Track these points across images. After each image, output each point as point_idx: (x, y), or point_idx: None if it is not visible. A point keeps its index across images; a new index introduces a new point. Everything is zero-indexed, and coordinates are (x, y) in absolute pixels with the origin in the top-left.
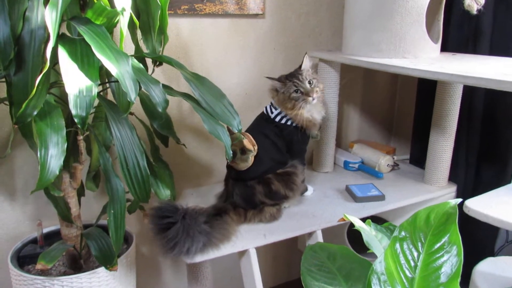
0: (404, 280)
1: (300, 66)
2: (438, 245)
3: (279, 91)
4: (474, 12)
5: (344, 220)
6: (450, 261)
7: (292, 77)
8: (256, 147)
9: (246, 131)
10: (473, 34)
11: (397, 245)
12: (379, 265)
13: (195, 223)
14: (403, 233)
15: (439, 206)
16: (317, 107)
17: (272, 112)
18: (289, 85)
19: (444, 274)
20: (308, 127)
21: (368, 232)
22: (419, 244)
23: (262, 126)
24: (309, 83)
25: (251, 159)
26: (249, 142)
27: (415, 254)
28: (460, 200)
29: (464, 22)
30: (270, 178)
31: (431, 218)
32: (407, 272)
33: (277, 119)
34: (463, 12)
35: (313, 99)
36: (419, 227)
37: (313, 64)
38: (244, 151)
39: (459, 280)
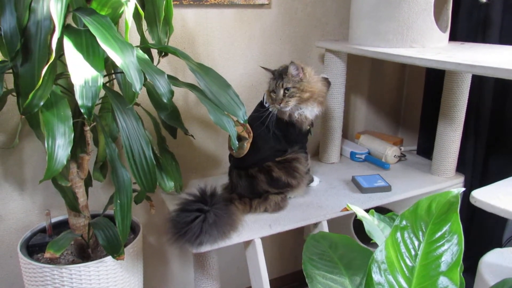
0: (405, 269)
1: (287, 69)
2: (439, 234)
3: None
4: (483, 0)
5: (347, 209)
6: (451, 250)
7: (278, 76)
8: (251, 134)
9: None
10: (483, 23)
11: (398, 234)
12: (379, 254)
13: (221, 214)
14: (404, 222)
15: (441, 195)
16: (308, 107)
17: (266, 102)
18: (272, 83)
19: (445, 262)
20: (297, 121)
21: (370, 221)
22: (420, 233)
23: (260, 112)
24: (286, 90)
25: (246, 146)
26: (244, 130)
27: (416, 243)
28: (463, 189)
29: (473, 10)
30: (270, 166)
31: (432, 207)
32: (408, 261)
33: (271, 108)
34: (472, 0)
35: (281, 108)
36: (420, 216)
37: (320, 54)
38: (239, 138)
39: (459, 268)
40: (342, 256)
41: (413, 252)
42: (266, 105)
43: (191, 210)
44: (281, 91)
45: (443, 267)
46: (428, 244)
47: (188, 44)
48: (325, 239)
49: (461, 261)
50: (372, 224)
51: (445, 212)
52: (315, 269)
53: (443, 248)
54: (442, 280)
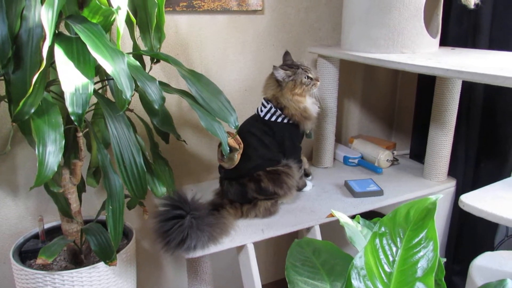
0: (383, 275)
1: (293, 60)
2: (416, 240)
3: (284, 80)
4: (472, 6)
5: (332, 215)
6: (427, 256)
7: (296, 67)
8: (241, 145)
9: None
10: (473, 28)
11: (377, 241)
12: (359, 260)
13: (202, 217)
14: (383, 229)
15: (420, 202)
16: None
17: (261, 111)
18: (299, 71)
19: (421, 268)
20: (304, 118)
21: (353, 227)
22: (398, 240)
23: (250, 124)
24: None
25: (237, 157)
26: (234, 141)
27: (394, 249)
28: (441, 196)
29: (463, 16)
30: (260, 175)
31: (410, 214)
32: (386, 267)
33: (267, 117)
34: (462, 6)
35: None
36: (399, 223)
37: (313, 59)
38: (230, 149)
39: (434, 274)
40: (324, 262)
41: (391, 258)
42: (264, 111)
43: (169, 219)
44: (313, 71)
45: (419, 273)
46: (406, 251)
47: (181, 50)
48: (309, 245)
49: (436, 267)
50: (355, 230)
51: (422, 218)
52: (297, 275)
53: (419, 254)
54: (418, 286)
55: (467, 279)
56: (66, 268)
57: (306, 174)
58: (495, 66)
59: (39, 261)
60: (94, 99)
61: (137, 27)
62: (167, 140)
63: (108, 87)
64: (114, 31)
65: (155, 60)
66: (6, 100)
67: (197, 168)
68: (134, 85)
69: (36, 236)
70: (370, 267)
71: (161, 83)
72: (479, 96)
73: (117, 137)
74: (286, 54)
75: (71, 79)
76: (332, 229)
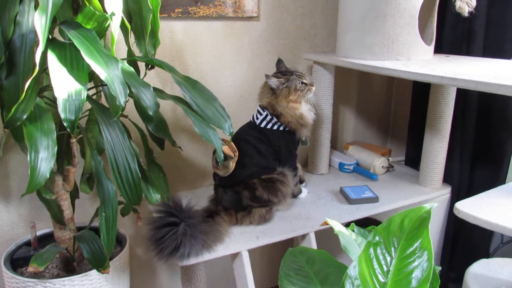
0: (377, 285)
1: (286, 67)
2: (410, 250)
3: (278, 88)
4: (466, 14)
5: (326, 224)
6: (421, 266)
7: (290, 73)
8: (237, 153)
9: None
10: (467, 35)
11: (371, 250)
12: (353, 270)
13: (196, 224)
14: (377, 238)
15: (414, 211)
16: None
17: (257, 118)
18: (293, 78)
19: (415, 278)
20: (301, 125)
21: (348, 236)
22: (392, 249)
23: (245, 132)
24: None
25: (232, 165)
26: (229, 149)
27: (388, 259)
28: (435, 205)
29: (458, 23)
30: (255, 183)
31: (405, 223)
32: (380, 277)
33: (263, 124)
34: (456, 14)
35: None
36: (393, 232)
37: (308, 66)
38: (225, 157)
39: (429, 284)
40: (318, 272)
41: (385, 268)
42: (260, 119)
43: (163, 226)
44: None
45: (414, 283)
46: (400, 260)
47: (176, 56)
48: (303, 254)
49: (431, 276)
50: (349, 239)
51: (417, 228)
52: (291, 285)
53: (414, 264)
54: None
55: (463, 286)
56: (58, 276)
57: (300, 181)
58: (489, 74)
59: (31, 269)
60: (88, 105)
61: (131, 33)
62: (162, 146)
63: (102, 93)
64: (108, 37)
65: (149, 66)
66: None
67: (192, 174)
68: (128, 91)
69: (28, 243)
70: (364, 277)
71: (155, 89)
72: (473, 103)
73: (112, 143)
74: (279, 61)
75: (64, 85)
76: (328, 235)
